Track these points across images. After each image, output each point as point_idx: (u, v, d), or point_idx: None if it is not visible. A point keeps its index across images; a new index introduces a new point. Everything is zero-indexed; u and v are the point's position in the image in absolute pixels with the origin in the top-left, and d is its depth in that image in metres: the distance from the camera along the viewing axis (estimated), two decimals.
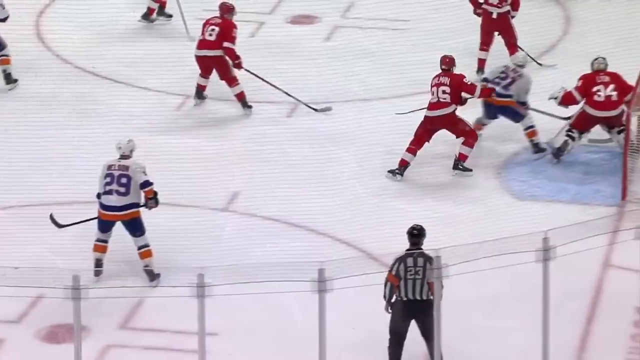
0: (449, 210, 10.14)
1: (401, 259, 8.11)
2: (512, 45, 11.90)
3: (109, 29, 12.68)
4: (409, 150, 10.51)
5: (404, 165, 10.49)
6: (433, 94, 10.47)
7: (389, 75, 12.03)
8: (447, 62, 10.50)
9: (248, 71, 11.31)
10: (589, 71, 10.68)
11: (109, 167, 9.05)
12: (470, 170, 10.51)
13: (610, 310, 8.89)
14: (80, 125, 11.26)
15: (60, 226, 9.22)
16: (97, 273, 9.05)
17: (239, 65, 11.28)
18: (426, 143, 10.56)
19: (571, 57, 12.17)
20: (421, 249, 8.17)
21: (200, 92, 11.49)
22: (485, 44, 12.02)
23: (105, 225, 9.07)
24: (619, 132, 10.41)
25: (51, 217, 9.24)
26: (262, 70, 11.73)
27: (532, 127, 10.77)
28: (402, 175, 10.47)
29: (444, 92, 10.41)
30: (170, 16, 12.74)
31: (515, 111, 10.77)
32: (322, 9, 13.26)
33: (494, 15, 12.00)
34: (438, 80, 10.46)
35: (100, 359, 8.57)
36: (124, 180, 8.94)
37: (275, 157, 10.88)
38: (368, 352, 8.55)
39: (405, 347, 8.19)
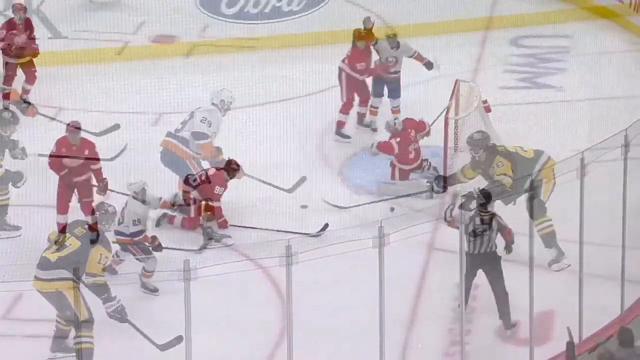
0: (298, 205, 10.07)
1: (471, 218, 8.15)
2: None
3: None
4: None
5: None
6: None
7: (242, 87, 11.91)
8: None
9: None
10: None
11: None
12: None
13: (435, 286, 9.09)
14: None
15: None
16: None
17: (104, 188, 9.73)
18: None
19: None
20: (489, 211, 8.15)
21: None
22: None
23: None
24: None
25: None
26: (128, 85, 11.47)
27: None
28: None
29: None
30: (30, 103, 11.14)
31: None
32: (181, 30, 13.01)
33: None
34: None
35: None
36: None
37: None
38: (333, 316, 8.53)
39: None
